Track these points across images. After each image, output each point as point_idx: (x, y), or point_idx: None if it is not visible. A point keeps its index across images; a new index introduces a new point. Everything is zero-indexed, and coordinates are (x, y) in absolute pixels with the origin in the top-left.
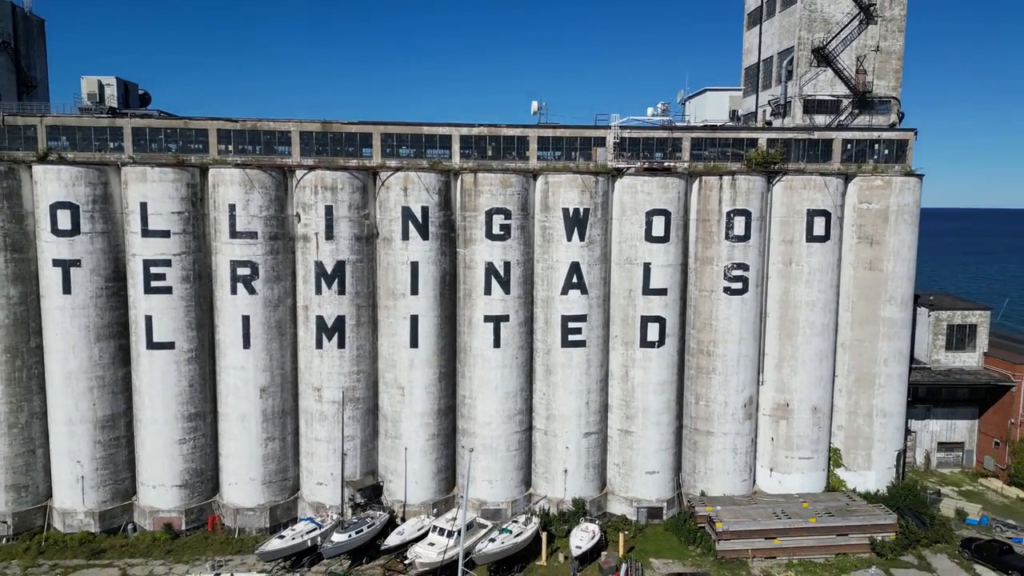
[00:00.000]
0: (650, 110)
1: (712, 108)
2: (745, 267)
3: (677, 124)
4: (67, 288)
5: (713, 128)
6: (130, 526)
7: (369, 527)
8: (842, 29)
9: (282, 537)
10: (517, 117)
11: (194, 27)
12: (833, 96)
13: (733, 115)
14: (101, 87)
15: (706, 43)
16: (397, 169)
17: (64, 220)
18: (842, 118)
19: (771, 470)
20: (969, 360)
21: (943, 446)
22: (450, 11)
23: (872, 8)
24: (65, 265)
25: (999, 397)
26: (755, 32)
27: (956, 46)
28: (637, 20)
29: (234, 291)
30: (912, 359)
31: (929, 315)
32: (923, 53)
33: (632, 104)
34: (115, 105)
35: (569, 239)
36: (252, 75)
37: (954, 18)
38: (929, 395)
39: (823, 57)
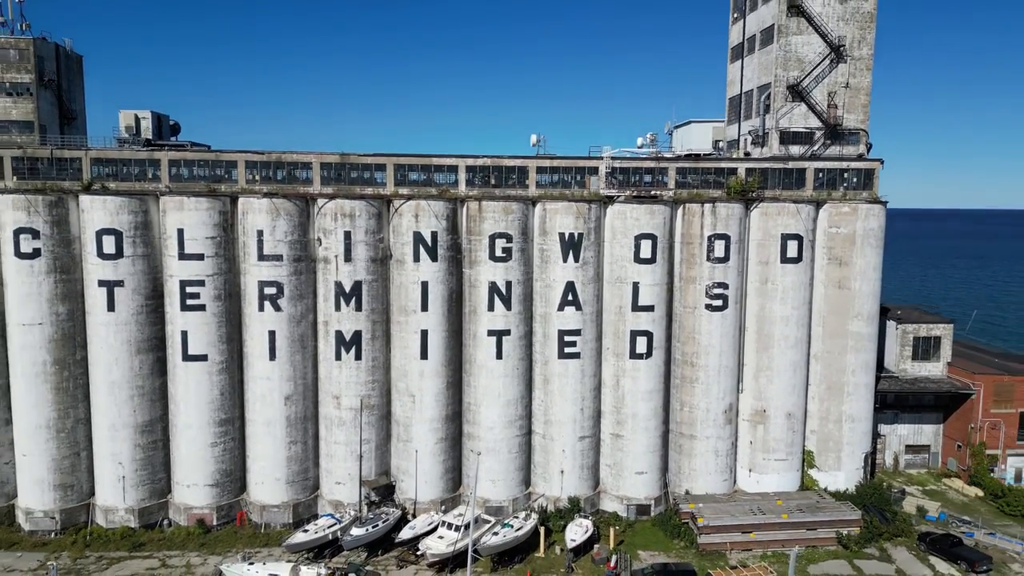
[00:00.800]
0: (639, 140)
1: (696, 138)
2: (725, 286)
3: (664, 155)
4: (111, 306)
5: (696, 158)
6: (166, 521)
7: (384, 522)
8: (815, 67)
9: (306, 531)
10: (518, 145)
11: (218, 57)
12: (807, 128)
13: (716, 144)
14: (137, 120)
15: (695, 73)
16: (409, 197)
17: (109, 245)
18: (815, 148)
19: (750, 471)
20: (934, 369)
21: (910, 448)
22: (453, 53)
23: (842, 48)
24: (109, 285)
25: (961, 404)
26: (737, 66)
27: (928, 40)
28: (631, 48)
29: (261, 308)
30: (882, 368)
31: (897, 328)
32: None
33: (624, 132)
34: (150, 136)
35: (565, 260)
36: (266, 98)
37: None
38: (897, 401)
39: (797, 93)
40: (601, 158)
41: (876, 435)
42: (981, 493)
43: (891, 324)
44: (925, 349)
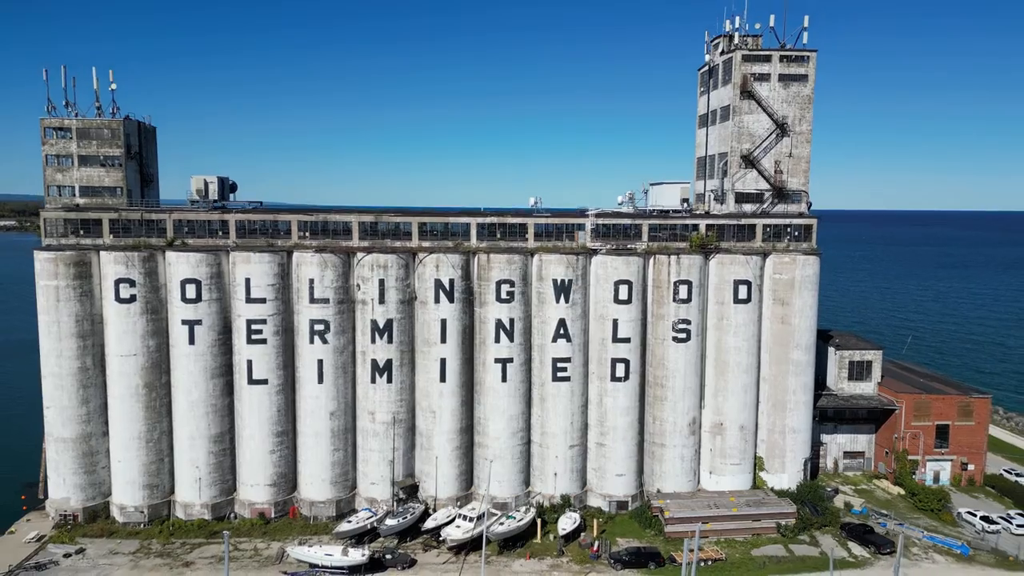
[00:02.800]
0: (619, 197)
1: (667, 196)
2: (688, 322)
3: (639, 212)
4: (191, 340)
5: (665, 215)
6: (232, 515)
7: (411, 515)
8: (763, 140)
9: (349, 522)
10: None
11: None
12: (758, 190)
13: (683, 202)
14: (206, 184)
15: (670, 135)
16: (431, 251)
17: (190, 291)
18: (765, 206)
19: (710, 473)
20: (866, 388)
21: (848, 454)
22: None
23: (786, 125)
24: (190, 324)
25: (888, 417)
26: (704, 132)
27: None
28: (613, 112)
29: (311, 341)
30: (824, 387)
31: (835, 353)
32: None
33: (608, 188)
34: (216, 197)
35: (557, 301)
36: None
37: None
38: (836, 415)
39: (749, 161)
40: (587, 216)
41: (819, 443)
42: (903, 492)
43: (831, 350)
44: (859, 371)
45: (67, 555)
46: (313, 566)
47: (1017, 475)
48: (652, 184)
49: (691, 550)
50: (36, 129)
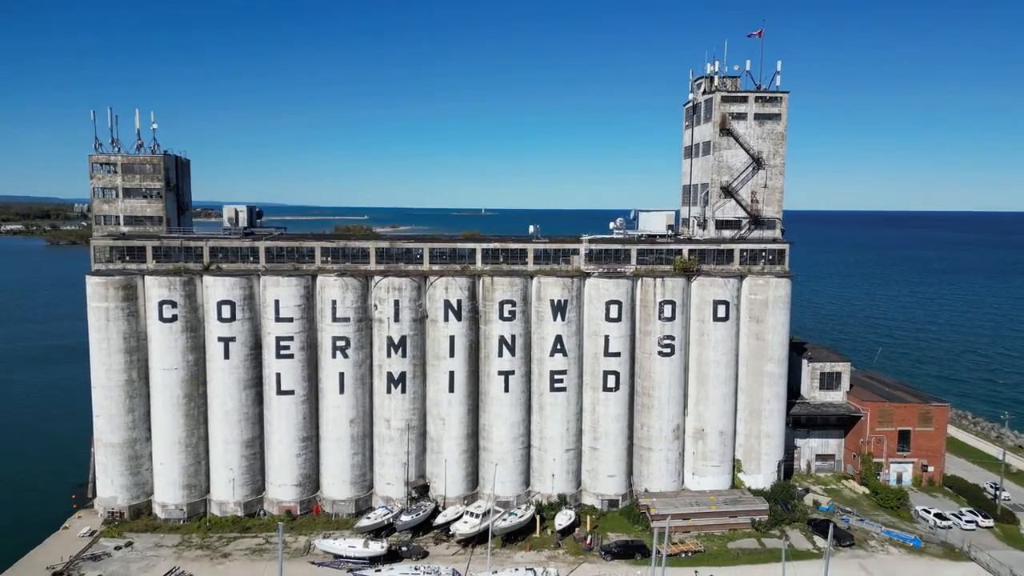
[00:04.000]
0: (611, 224)
1: (654, 223)
2: (672, 338)
3: (628, 238)
4: (227, 355)
5: (652, 240)
6: (262, 512)
7: (424, 512)
8: (741, 173)
9: (368, 518)
10: (519, 230)
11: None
12: (736, 218)
13: (669, 228)
14: (236, 213)
15: (660, 163)
16: (440, 274)
17: (226, 311)
18: (742, 232)
19: (693, 474)
20: (836, 397)
21: (820, 457)
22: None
23: (761, 159)
24: (225, 341)
25: (855, 423)
26: (688, 163)
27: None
28: (606, 144)
29: (334, 356)
30: (798, 395)
31: (808, 364)
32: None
33: (603, 213)
34: (245, 224)
35: (554, 320)
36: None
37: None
38: (808, 421)
39: (728, 192)
40: (581, 242)
41: (793, 446)
42: (867, 491)
43: (804, 362)
44: (829, 381)
45: (117, 548)
46: (337, 557)
47: (996, 489)
48: (641, 211)
49: (674, 543)
50: (41, 130)
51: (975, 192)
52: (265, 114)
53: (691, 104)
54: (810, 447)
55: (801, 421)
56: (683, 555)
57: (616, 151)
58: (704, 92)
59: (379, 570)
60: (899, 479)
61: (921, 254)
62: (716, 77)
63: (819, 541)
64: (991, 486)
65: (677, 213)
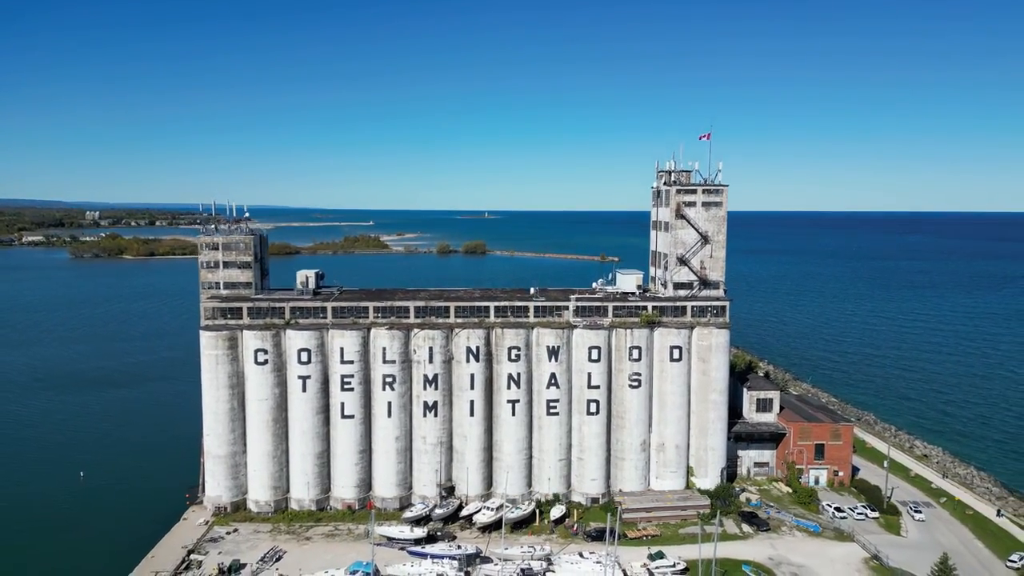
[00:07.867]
0: (594, 283)
1: (627, 282)
2: (639, 374)
3: (607, 296)
4: (304, 389)
5: (624, 298)
6: (329, 507)
7: (452, 507)
8: (692, 247)
9: (411, 511)
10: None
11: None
12: (688, 280)
13: (638, 287)
14: (307, 278)
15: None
16: (463, 326)
17: (304, 356)
18: (694, 292)
19: (656, 477)
20: (769, 418)
21: (757, 464)
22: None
23: (707, 237)
24: (303, 378)
25: (783, 438)
26: (655, 234)
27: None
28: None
29: (383, 389)
30: (740, 416)
31: (748, 392)
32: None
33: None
34: (314, 286)
35: (550, 360)
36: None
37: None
38: (748, 437)
39: (682, 262)
40: (570, 300)
41: (736, 456)
42: (790, 490)
43: (745, 389)
44: (764, 405)
45: (228, 533)
46: (390, 539)
47: (892, 490)
48: (618, 272)
49: (637, 527)
50: (47, 131)
51: (960, 194)
52: (270, 117)
53: (656, 189)
54: (750, 456)
55: (742, 436)
56: (645, 538)
57: (617, 153)
58: (664, 184)
59: (424, 547)
60: (816, 481)
61: (902, 264)
62: (672, 172)
63: (745, 527)
64: (891, 489)
65: (645, 274)
